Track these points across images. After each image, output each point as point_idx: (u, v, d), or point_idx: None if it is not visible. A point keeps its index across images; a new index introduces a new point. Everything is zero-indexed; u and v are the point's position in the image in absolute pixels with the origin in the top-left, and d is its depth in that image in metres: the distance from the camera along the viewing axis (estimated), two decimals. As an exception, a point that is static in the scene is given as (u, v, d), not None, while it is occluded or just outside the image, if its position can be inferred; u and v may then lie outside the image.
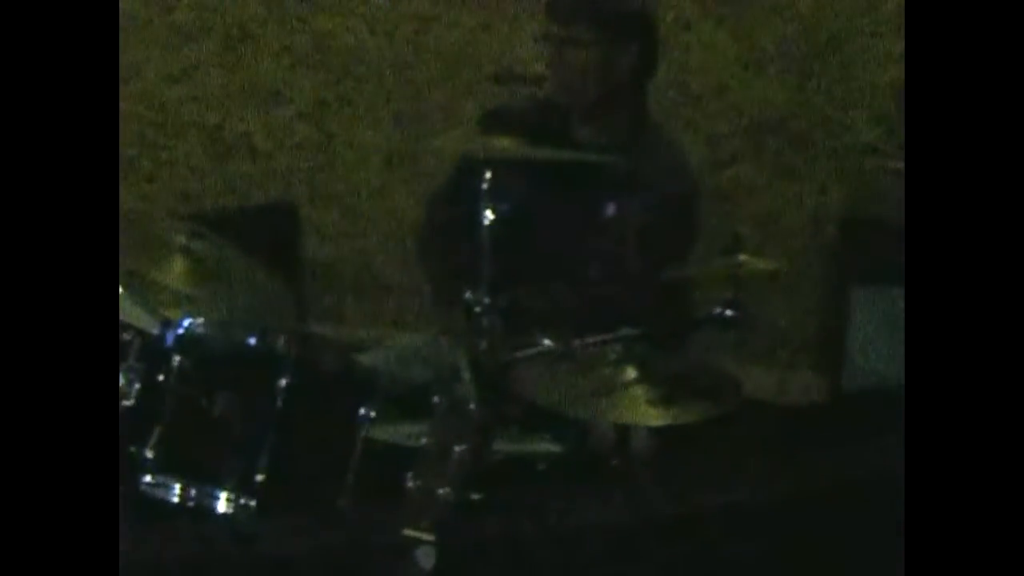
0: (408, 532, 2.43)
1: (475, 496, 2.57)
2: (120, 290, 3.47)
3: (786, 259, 4.79)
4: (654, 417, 3.21)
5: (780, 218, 4.94)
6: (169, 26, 5.08)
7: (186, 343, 3.23)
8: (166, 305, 3.43)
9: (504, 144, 3.15)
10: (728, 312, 3.30)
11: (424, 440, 2.58)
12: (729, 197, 4.85)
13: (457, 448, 2.49)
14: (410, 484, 2.49)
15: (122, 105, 5.02)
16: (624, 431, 3.34)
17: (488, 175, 3.08)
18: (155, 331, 3.29)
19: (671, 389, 3.20)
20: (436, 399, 2.63)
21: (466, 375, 2.66)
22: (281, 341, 3.23)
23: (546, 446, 3.27)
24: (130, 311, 3.42)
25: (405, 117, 4.99)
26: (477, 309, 3.05)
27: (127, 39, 5.02)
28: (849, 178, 4.86)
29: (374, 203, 5.00)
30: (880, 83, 4.79)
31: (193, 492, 3.15)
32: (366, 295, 4.83)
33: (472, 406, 2.58)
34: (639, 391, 3.19)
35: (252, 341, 3.24)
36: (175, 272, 3.49)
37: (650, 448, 3.54)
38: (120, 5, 4.93)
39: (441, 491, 2.46)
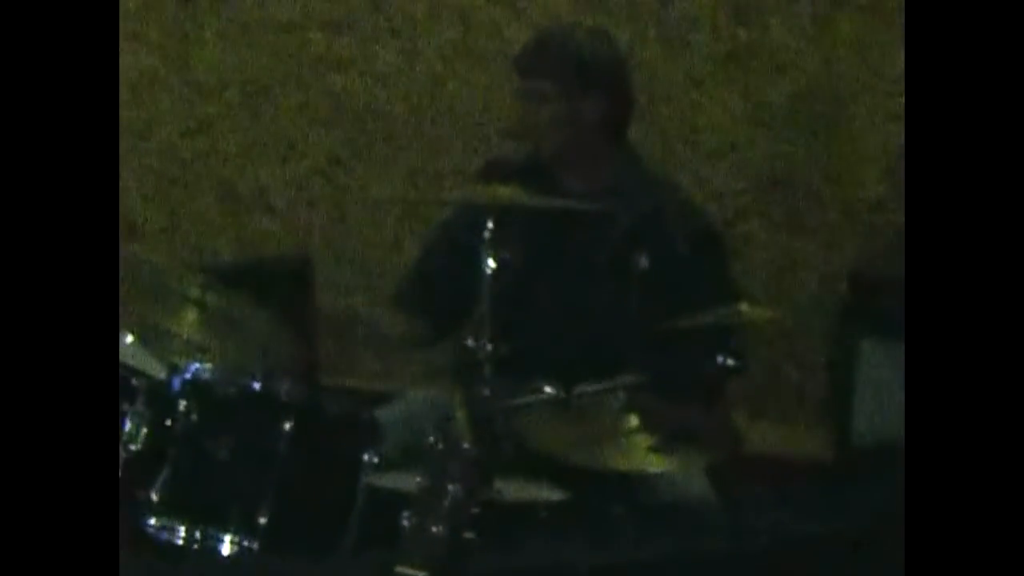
0: (401, 570, 2.46)
1: (469, 536, 2.60)
2: (130, 338, 3.54)
3: (794, 314, 4.84)
4: (655, 465, 3.25)
5: (789, 274, 4.97)
6: (186, 82, 5.15)
7: (192, 388, 3.28)
8: (177, 354, 3.48)
9: (503, 192, 3.20)
10: (730, 361, 3.33)
11: (419, 479, 2.62)
12: (738, 253, 4.87)
13: (451, 487, 2.52)
14: (404, 523, 2.52)
15: (138, 159, 5.13)
16: (625, 479, 3.37)
17: (490, 223, 3.13)
18: (162, 376, 3.34)
19: (672, 437, 3.24)
20: (431, 439, 2.66)
21: (459, 414, 2.69)
22: (286, 386, 3.28)
23: (547, 493, 3.29)
24: (139, 358, 3.48)
25: (419, 173, 5.04)
26: (478, 356, 3.09)
27: (144, 94, 5.12)
28: (857, 234, 4.90)
29: (387, 258, 5.05)
30: (888, 140, 4.83)
31: (197, 534, 3.19)
32: (378, 349, 4.87)
33: (466, 446, 2.61)
34: (640, 439, 3.24)
35: (256, 386, 3.28)
36: (187, 322, 3.54)
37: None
38: (138, 60, 5.08)
39: (435, 529, 2.49)
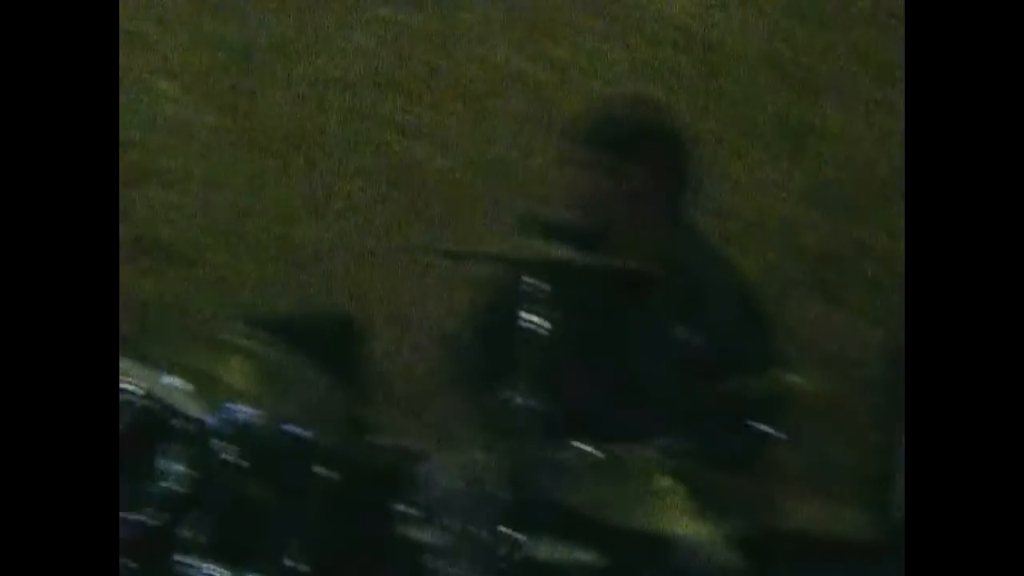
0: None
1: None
2: (177, 381, 3.59)
3: (841, 391, 4.83)
4: (688, 529, 3.25)
5: (837, 351, 4.96)
6: (249, 138, 5.21)
7: (232, 431, 3.31)
8: (222, 399, 3.52)
9: (546, 249, 3.22)
10: (770, 430, 3.34)
11: (449, 525, 2.63)
12: (786, 329, 4.87)
13: (481, 534, 2.53)
14: (433, 568, 2.54)
15: (198, 212, 5.19)
16: (658, 541, 3.37)
17: (530, 279, 3.16)
18: (206, 419, 3.38)
19: (707, 503, 3.24)
20: (463, 486, 2.68)
21: (490, 459, 2.71)
22: (325, 435, 3.31)
23: (579, 552, 3.30)
24: (183, 400, 3.52)
25: (467, 234, 5.07)
26: (517, 409, 3.11)
27: (208, 148, 5.18)
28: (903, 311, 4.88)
29: (441, 320, 5.06)
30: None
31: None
32: (421, 408, 4.89)
33: (498, 494, 2.63)
34: (675, 502, 3.24)
35: (296, 432, 3.31)
36: (234, 369, 3.59)
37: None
38: (203, 116, 5.14)
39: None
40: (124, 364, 3.50)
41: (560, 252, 3.27)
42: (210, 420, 3.37)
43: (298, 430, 3.34)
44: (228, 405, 3.38)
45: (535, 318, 3.15)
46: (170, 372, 3.60)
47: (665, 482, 3.25)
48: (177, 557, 3.21)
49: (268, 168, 5.20)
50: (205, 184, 5.16)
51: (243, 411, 3.37)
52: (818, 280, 4.98)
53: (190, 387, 3.58)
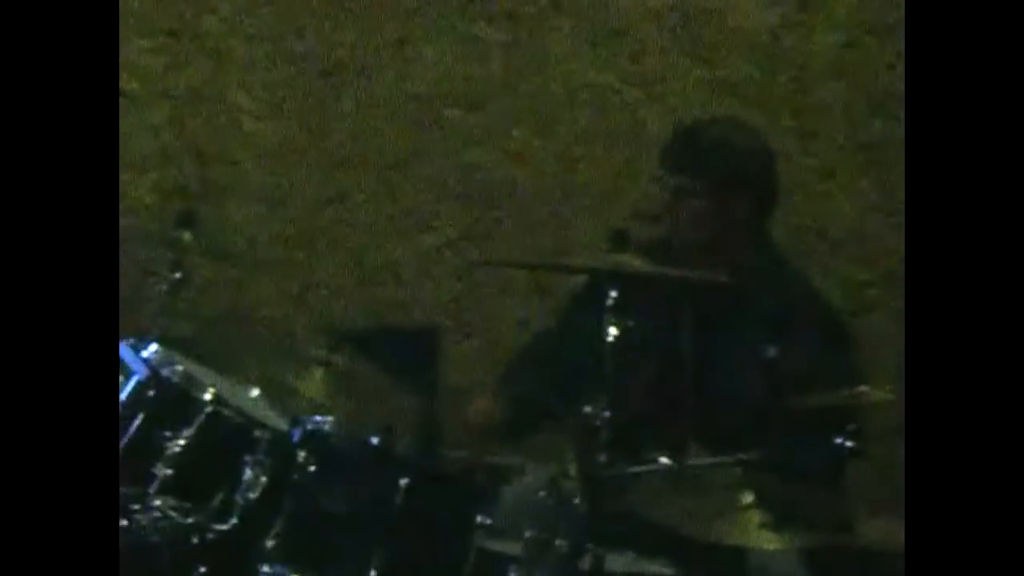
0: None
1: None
2: (255, 391, 3.63)
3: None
4: (766, 542, 3.23)
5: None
6: (324, 152, 5.24)
7: (311, 440, 3.33)
8: (301, 410, 3.56)
9: (630, 261, 3.22)
10: (848, 444, 3.32)
11: (528, 534, 2.63)
12: (863, 345, 4.85)
13: (558, 543, 2.53)
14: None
15: (274, 225, 5.22)
16: (735, 554, 3.36)
17: (613, 292, 3.16)
18: (284, 428, 3.41)
19: (784, 517, 3.22)
20: (542, 494, 2.68)
21: (572, 470, 2.71)
22: (403, 444, 3.32)
23: (657, 566, 3.29)
24: (263, 411, 3.55)
25: (548, 251, 5.08)
26: (596, 422, 3.11)
27: (283, 163, 5.22)
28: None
29: (513, 334, 5.08)
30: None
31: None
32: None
33: (576, 502, 2.63)
34: (752, 515, 3.22)
35: (374, 441, 3.32)
36: (313, 381, 3.63)
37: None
38: (278, 130, 5.18)
39: (542, 583, 2.51)
40: (211, 376, 3.54)
41: (645, 266, 3.27)
42: (294, 432, 3.38)
43: (381, 441, 3.34)
44: (312, 417, 3.40)
45: (618, 331, 3.14)
46: (253, 384, 3.65)
47: (745, 496, 3.24)
48: (259, 567, 3.21)
49: (343, 183, 5.23)
50: (283, 198, 5.19)
51: (324, 422, 3.37)
52: (896, 296, 4.94)
53: (270, 399, 3.63)
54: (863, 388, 3.32)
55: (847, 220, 4.99)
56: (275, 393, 3.70)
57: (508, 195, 5.15)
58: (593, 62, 5.06)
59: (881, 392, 3.37)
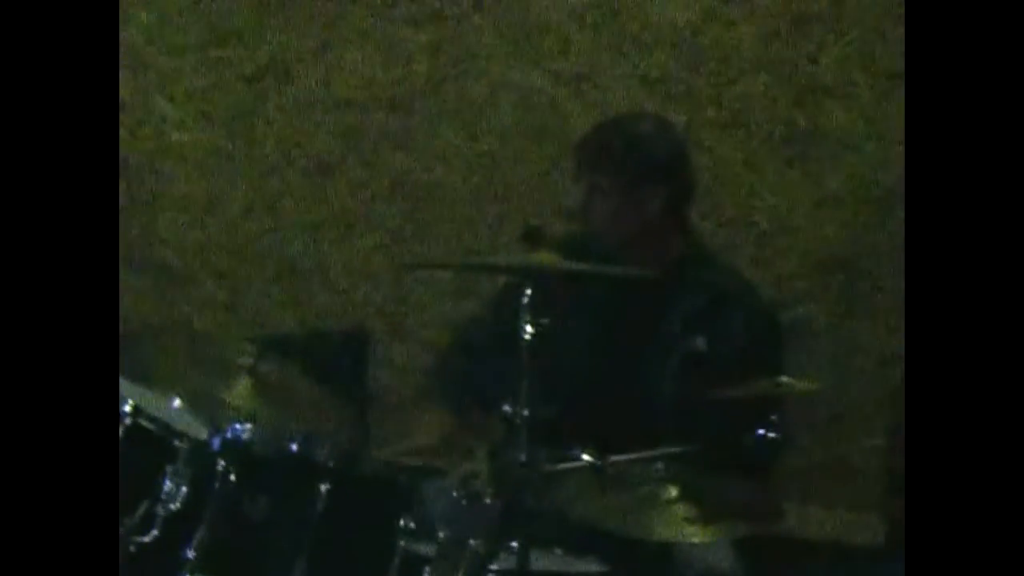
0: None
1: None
2: (178, 402, 3.60)
3: (850, 398, 4.82)
4: (691, 536, 3.23)
5: (845, 358, 4.94)
6: (251, 159, 5.22)
7: (231, 449, 3.32)
8: (224, 419, 3.53)
9: (545, 258, 3.21)
10: (771, 434, 3.33)
11: (441, 534, 2.62)
12: (794, 337, 4.86)
13: (472, 542, 2.52)
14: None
15: (202, 234, 5.20)
16: (661, 549, 3.36)
17: (528, 289, 3.15)
18: (203, 437, 3.39)
19: (710, 510, 3.22)
20: (454, 494, 2.67)
21: (482, 468, 2.70)
22: (324, 450, 3.30)
23: (582, 563, 3.29)
24: (184, 421, 3.53)
25: (477, 251, 5.07)
26: (515, 421, 3.10)
27: (210, 170, 5.19)
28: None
29: (443, 335, 5.06)
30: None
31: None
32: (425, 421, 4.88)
33: (488, 501, 2.62)
34: (677, 509, 3.22)
35: (294, 448, 3.31)
36: (238, 390, 3.60)
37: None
38: (204, 137, 5.16)
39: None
40: (131, 388, 3.52)
41: (563, 263, 3.26)
42: (214, 440, 3.36)
43: (301, 447, 3.33)
44: (232, 425, 3.38)
45: (536, 329, 3.13)
46: (175, 395, 3.62)
47: (670, 491, 3.24)
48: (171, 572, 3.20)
49: (271, 189, 5.21)
50: (207, 205, 5.17)
51: (244, 430, 3.36)
52: (825, 287, 4.96)
53: (195, 409, 3.60)
54: (785, 379, 3.31)
55: (774, 213, 4.99)
56: (201, 403, 3.67)
57: (435, 197, 5.14)
58: (517, 61, 5.06)
59: (807, 383, 3.37)
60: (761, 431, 3.29)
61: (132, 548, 3.23)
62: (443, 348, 4.00)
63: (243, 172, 5.24)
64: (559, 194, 4.95)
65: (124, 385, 3.49)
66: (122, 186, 5.14)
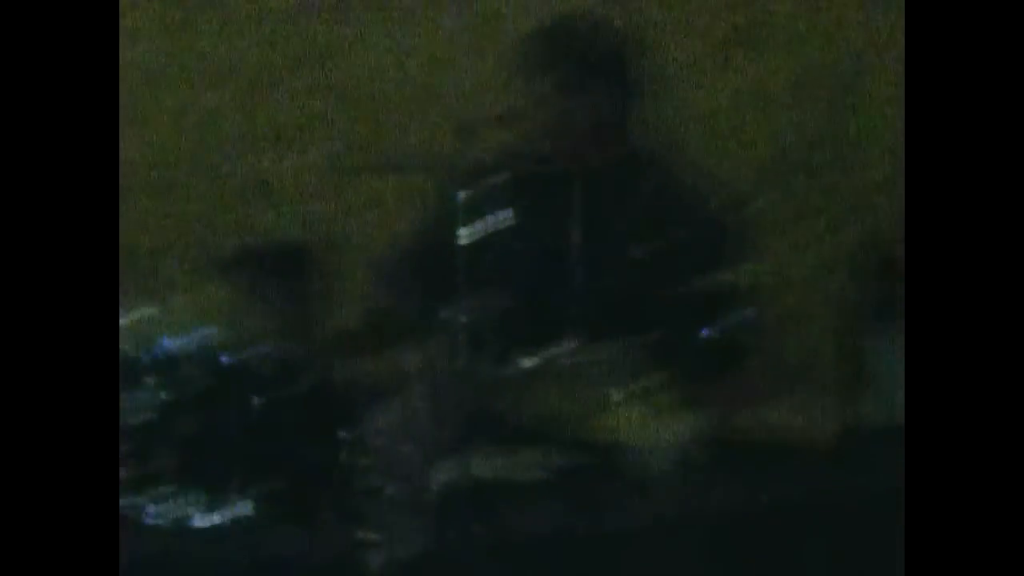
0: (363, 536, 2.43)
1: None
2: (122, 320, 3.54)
3: (800, 296, 4.78)
4: (648, 433, 3.19)
5: (795, 254, 4.91)
6: (185, 75, 5.13)
7: (166, 363, 3.26)
8: (163, 333, 3.48)
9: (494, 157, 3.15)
10: (727, 328, 3.29)
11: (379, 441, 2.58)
12: (744, 234, 4.82)
13: (409, 448, 2.48)
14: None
15: (138, 151, 5.11)
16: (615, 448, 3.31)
17: (463, 192, 3.09)
18: (140, 355, 3.33)
19: (667, 404, 3.18)
20: (395, 401, 2.62)
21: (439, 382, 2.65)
22: (263, 360, 3.26)
23: (534, 472, 3.23)
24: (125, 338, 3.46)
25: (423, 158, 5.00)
26: (459, 324, 3.05)
27: (144, 87, 5.10)
28: (863, 215, 4.84)
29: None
30: (894, 119, 4.76)
31: (174, 506, 3.16)
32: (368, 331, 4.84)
33: (425, 405, 2.57)
34: (635, 407, 3.18)
35: (224, 360, 3.26)
36: (179, 304, 3.56)
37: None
38: (135, 54, 5.06)
39: (392, 493, 2.46)
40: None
41: (508, 159, 3.20)
42: (145, 358, 3.30)
43: (236, 359, 3.27)
44: (163, 340, 3.32)
45: (482, 227, 3.07)
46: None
47: (630, 386, 3.18)
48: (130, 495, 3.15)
49: (208, 105, 5.13)
50: (143, 123, 5.08)
51: (178, 345, 3.30)
52: (774, 173, 4.91)
53: (139, 327, 3.54)
54: (746, 266, 3.27)
55: (721, 112, 4.94)
56: (139, 319, 3.61)
57: (374, 107, 5.06)
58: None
59: (765, 268, 3.33)
60: (716, 326, 3.25)
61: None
62: (395, 253, 3.90)
63: (178, 89, 5.15)
64: (501, 102, 4.89)
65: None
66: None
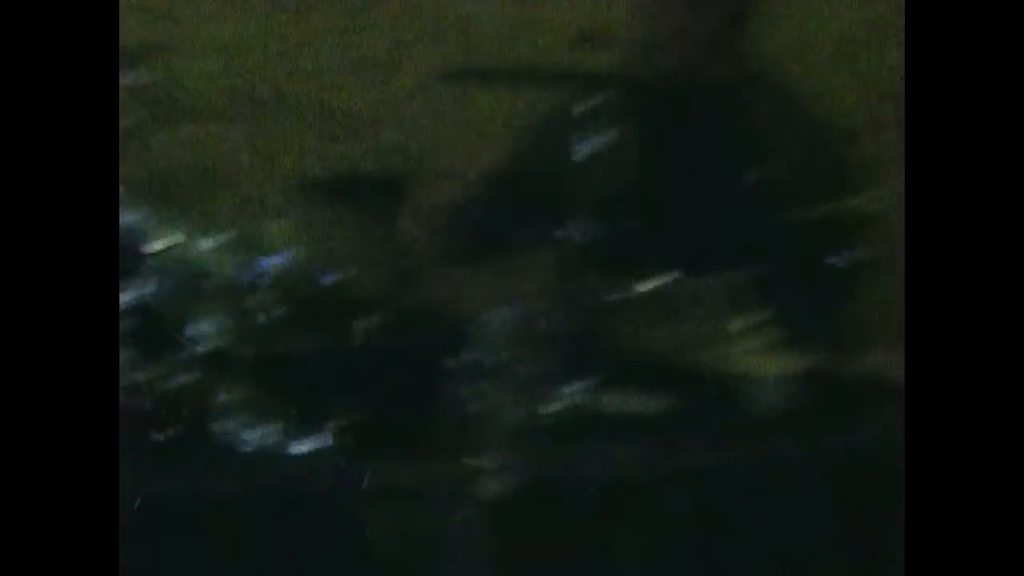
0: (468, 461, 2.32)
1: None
2: (211, 242, 3.45)
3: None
4: (763, 368, 3.04)
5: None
6: (279, 4, 5.07)
7: (268, 285, 3.15)
8: (257, 256, 3.39)
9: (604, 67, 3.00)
10: (847, 257, 3.15)
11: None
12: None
13: (523, 369, 2.36)
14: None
15: (229, 79, 5.03)
16: (730, 383, 3.16)
17: (581, 105, 2.94)
18: (238, 274, 3.23)
19: (781, 339, 3.04)
20: (509, 324, 2.50)
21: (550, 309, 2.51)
22: (364, 283, 3.15)
23: (650, 403, 3.09)
24: (212, 257, 3.37)
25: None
26: (574, 248, 2.91)
27: (235, 15, 5.04)
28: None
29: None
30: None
31: (271, 434, 3.04)
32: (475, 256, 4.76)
33: (543, 328, 2.45)
34: (748, 340, 3.03)
35: (327, 280, 3.14)
36: (274, 231, 3.48)
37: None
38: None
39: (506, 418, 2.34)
40: (160, 229, 3.34)
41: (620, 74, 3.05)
42: (244, 278, 3.20)
43: (334, 281, 3.16)
44: (261, 260, 3.21)
45: (588, 148, 2.93)
46: (206, 235, 3.47)
47: (737, 322, 3.04)
48: (220, 421, 3.03)
49: (300, 33, 5.05)
50: (235, 51, 5.01)
51: (277, 262, 3.19)
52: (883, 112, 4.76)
53: (229, 250, 3.45)
54: (859, 199, 3.11)
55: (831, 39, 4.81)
56: (231, 242, 3.53)
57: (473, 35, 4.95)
58: None
59: (870, 202, 3.17)
60: (839, 254, 3.10)
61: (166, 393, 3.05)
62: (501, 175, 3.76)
63: (271, 17, 5.08)
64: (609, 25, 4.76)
65: (153, 226, 3.36)
66: (143, 31, 4.99)
